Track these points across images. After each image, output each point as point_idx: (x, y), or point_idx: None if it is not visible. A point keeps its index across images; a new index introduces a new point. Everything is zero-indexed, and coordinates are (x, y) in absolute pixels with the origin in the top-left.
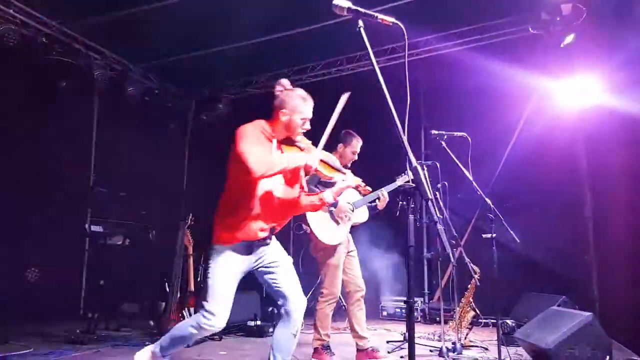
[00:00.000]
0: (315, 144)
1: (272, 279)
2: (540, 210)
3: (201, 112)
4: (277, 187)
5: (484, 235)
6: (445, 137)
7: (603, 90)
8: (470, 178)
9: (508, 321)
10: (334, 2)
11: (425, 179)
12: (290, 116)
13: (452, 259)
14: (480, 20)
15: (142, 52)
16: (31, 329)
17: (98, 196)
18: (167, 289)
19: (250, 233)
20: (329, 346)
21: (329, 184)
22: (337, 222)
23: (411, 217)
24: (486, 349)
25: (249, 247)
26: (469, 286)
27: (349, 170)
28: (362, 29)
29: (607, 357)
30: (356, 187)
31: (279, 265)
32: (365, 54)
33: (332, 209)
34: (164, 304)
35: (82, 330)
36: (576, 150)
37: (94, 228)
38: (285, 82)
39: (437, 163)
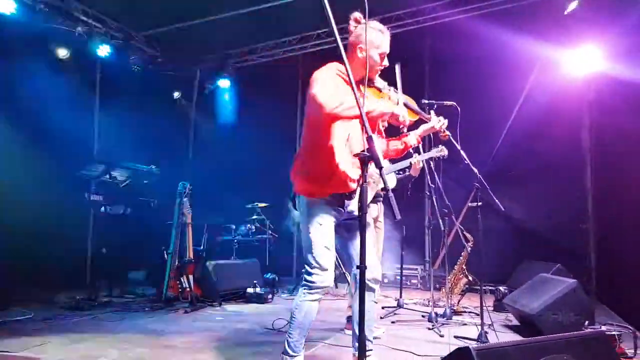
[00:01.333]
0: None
1: (350, 243)
2: (542, 179)
3: (206, 81)
4: (355, 133)
5: (469, 204)
6: (435, 106)
7: (606, 58)
8: (458, 147)
9: (501, 288)
10: None
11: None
12: (368, 51)
13: (443, 229)
14: None
15: (144, 21)
16: (36, 296)
17: (100, 165)
18: (165, 257)
19: (339, 185)
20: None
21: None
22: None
23: (364, 185)
24: (477, 314)
25: (340, 198)
26: (462, 254)
27: (433, 112)
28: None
29: (587, 322)
30: (438, 131)
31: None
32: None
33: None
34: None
35: (84, 297)
36: (579, 119)
37: (93, 197)
38: (358, 15)
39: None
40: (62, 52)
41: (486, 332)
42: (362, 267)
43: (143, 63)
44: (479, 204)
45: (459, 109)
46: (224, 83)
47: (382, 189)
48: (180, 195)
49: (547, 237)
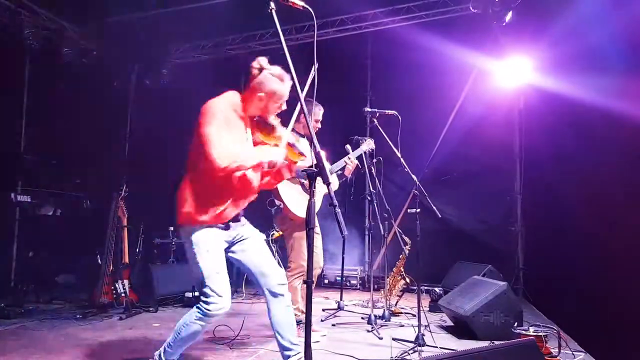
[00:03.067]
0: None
1: (248, 258)
2: (475, 183)
3: (144, 77)
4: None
5: (409, 210)
6: (378, 115)
7: (535, 69)
8: (399, 155)
9: (437, 289)
10: None
11: (371, 152)
12: (268, 99)
13: (382, 232)
14: None
15: (79, 12)
16: None
17: (28, 164)
18: (99, 262)
19: (223, 214)
20: (301, 321)
21: None
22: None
23: (312, 200)
24: (414, 315)
25: (226, 225)
26: (400, 256)
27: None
28: (273, 11)
29: (516, 323)
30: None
31: (254, 243)
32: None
33: (303, 181)
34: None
35: (8, 304)
36: (510, 127)
37: (20, 198)
38: (263, 60)
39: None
40: None
41: (423, 335)
42: (309, 282)
43: (76, 56)
44: (418, 210)
45: (399, 118)
46: (163, 77)
47: (330, 205)
48: (116, 197)
49: (478, 238)
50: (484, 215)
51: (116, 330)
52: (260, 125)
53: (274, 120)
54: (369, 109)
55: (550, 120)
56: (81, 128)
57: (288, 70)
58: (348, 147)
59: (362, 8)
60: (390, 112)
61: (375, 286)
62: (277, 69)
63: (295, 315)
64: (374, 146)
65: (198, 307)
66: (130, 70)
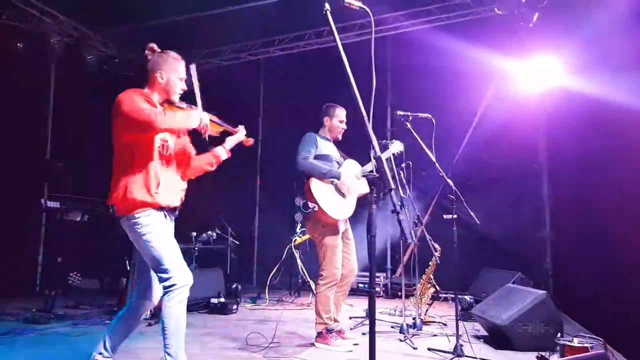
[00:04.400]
0: None
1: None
2: (500, 189)
3: None
4: (170, 142)
5: (445, 216)
6: (410, 118)
7: (563, 72)
8: (434, 159)
9: (466, 297)
10: None
11: (391, 162)
12: (168, 76)
13: (413, 238)
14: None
15: (102, 19)
16: None
17: (54, 170)
18: (128, 267)
19: (163, 199)
20: (333, 329)
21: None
22: (343, 195)
23: (374, 207)
24: (445, 324)
25: (165, 215)
26: (430, 263)
27: (240, 126)
28: (328, 12)
29: (559, 334)
30: (244, 141)
31: None
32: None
33: (335, 181)
34: (125, 280)
35: (38, 308)
36: (536, 130)
37: (50, 204)
38: (154, 45)
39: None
40: (14, 48)
41: (461, 345)
42: (372, 293)
43: (98, 62)
44: (455, 216)
45: (433, 121)
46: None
47: (392, 211)
48: None
49: (505, 245)
50: (511, 221)
51: (145, 336)
52: (169, 106)
53: (182, 104)
54: (402, 112)
55: (579, 122)
56: (106, 134)
57: (344, 72)
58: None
59: (383, 11)
60: (423, 115)
61: (399, 293)
62: (171, 51)
63: (326, 324)
64: (402, 149)
65: (165, 293)
66: None
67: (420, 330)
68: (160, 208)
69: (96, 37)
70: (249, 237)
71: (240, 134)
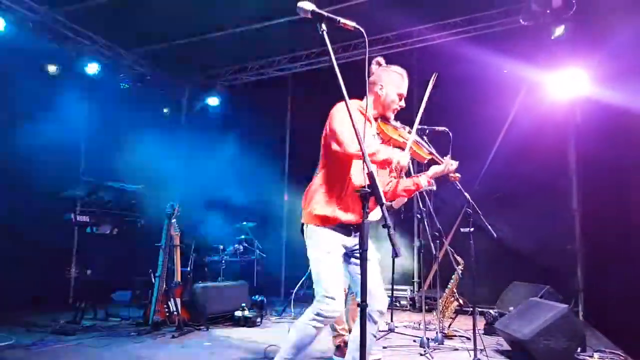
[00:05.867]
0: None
1: (357, 272)
2: (529, 201)
3: (195, 99)
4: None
5: (462, 230)
6: (427, 131)
7: (592, 82)
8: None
9: (491, 311)
10: (298, 5)
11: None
12: (387, 91)
13: (434, 252)
14: (472, 11)
15: (134, 38)
16: (18, 319)
17: (86, 186)
18: (153, 280)
19: (348, 214)
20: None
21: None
22: None
23: (365, 222)
24: (468, 338)
25: (347, 228)
26: (453, 277)
27: (448, 157)
28: (324, 33)
29: (579, 349)
30: (449, 172)
31: (371, 261)
32: (362, 42)
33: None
34: (150, 292)
35: (68, 320)
36: (565, 142)
37: (80, 218)
38: (381, 59)
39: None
40: (52, 69)
41: (479, 359)
42: (364, 305)
43: (132, 81)
44: (471, 229)
45: (450, 134)
46: (213, 101)
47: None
48: (169, 217)
49: (535, 258)
50: (540, 234)
51: (169, 349)
52: (384, 123)
53: (395, 122)
54: (419, 126)
55: (609, 133)
56: (137, 151)
57: (340, 91)
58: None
59: (408, 25)
60: (440, 128)
61: (427, 307)
62: (396, 66)
63: (343, 336)
64: (434, 188)
65: (314, 312)
66: (181, 94)
67: (442, 344)
68: (340, 224)
69: (128, 56)
70: (277, 248)
71: (446, 166)
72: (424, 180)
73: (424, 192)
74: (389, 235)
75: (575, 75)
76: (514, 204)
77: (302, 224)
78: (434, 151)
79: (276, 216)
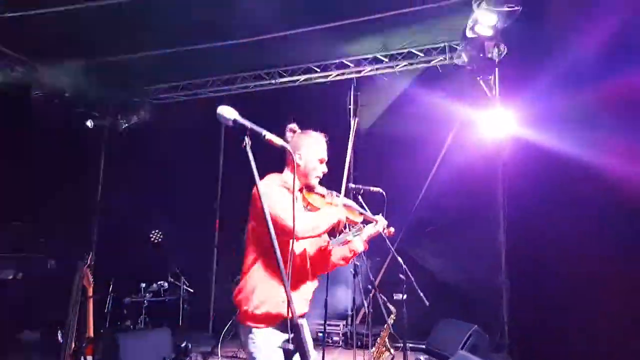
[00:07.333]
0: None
1: None
2: (459, 235)
3: (120, 119)
4: (308, 246)
5: (395, 296)
6: (362, 191)
7: (518, 122)
8: (384, 235)
9: (421, 358)
10: (218, 111)
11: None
12: (306, 158)
13: (364, 306)
14: (410, 46)
15: (53, 53)
16: None
17: None
18: (61, 338)
19: (292, 307)
20: None
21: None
22: None
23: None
24: None
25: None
26: (385, 326)
27: (379, 215)
28: (248, 147)
29: None
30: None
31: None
32: (298, 69)
33: None
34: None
35: None
36: (494, 177)
37: None
38: (294, 125)
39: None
40: None
41: None
42: None
43: (47, 97)
44: (404, 297)
45: (385, 196)
46: (140, 121)
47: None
48: (80, 265)
49: (464, 292)
50: (469, 268)
51: None
52: (309, 193)
53: (319, 189)
54: (353, 185)
55: (534, 172)
56: (47, 178)
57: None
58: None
59: (346, 55)
60: (375, 189)
61: (359, 343)
62: (310, 130)
63: None
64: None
65: None
66: (103, 113)
67: None
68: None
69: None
70: (205, 282)
71: (380, 225)
72: (360, 244)
73: None
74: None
75: (504, 114)
76: (446, 237)
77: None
78: (365, 210)
79: (207, 245)
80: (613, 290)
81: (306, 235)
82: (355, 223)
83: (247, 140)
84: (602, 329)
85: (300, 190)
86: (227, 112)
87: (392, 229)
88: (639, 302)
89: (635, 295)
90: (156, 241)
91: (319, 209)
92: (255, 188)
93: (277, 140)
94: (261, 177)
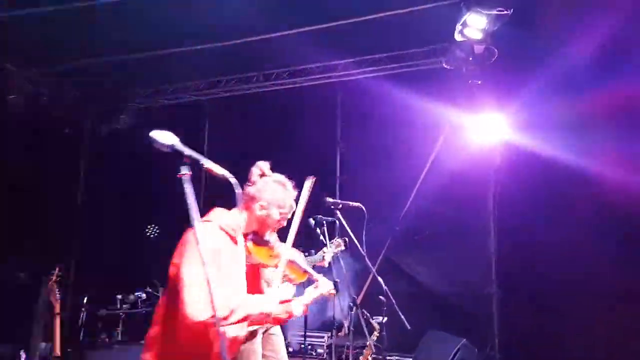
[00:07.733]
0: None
1: None
2: (448, 244)
3: (100, 124)
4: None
5: (373, 318)
6: (340, 206)
7: (510, 127)
8: (363, 253)
9: None
10: (151, 135)
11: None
12: (268, 211)
13: (345, 325)
14: (397, 49)
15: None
16: None
17: None
18: None
19: None
20: None
21: None
22: None
23: None
24: None
25: None
26: (367, 344)
27: (321, 275)
28: (186, 178)
29: None
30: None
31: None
32: (282, 73)
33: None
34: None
35: None
36: (485, 184)
37: None
38: (264, 165)
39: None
40: None
41: None
42: None
43: (23, 102)
44: (384, 319)
45: (365, 211)
46: (121, 126)
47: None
48: (45, 281)
49: (453, 302)
50: (458, 277)
51: None
52: (254, 243)
53: (269, 235)
54: (331, 200)
55: (525, 178)
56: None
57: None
58: (312, 221)
59: (332, 58)
60: (354, 204)
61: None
62: (280, 176)
63: None
64: (343, 248)
65: None
66: (83, 118)
67: None
68: None
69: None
70: None
71: (323, 287)
72: (299, 308)
73: (341, 262)
74: None
75: (494, 119)
76: (434, 246)
77: None
78: (309, 269)
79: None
80: (606, 295)
81: (201, 319)
82: (297, 282)
83: (185, 169)
84: (598, 335)
85: (245, 235)
86: (163, 137)
87: (334, 291)
88: (631, 307)
89: (627, 300)
90: (152, 236)
91: (259, 263)
92: (190, 231)
93: (218, 170)
94: (206, 208)
